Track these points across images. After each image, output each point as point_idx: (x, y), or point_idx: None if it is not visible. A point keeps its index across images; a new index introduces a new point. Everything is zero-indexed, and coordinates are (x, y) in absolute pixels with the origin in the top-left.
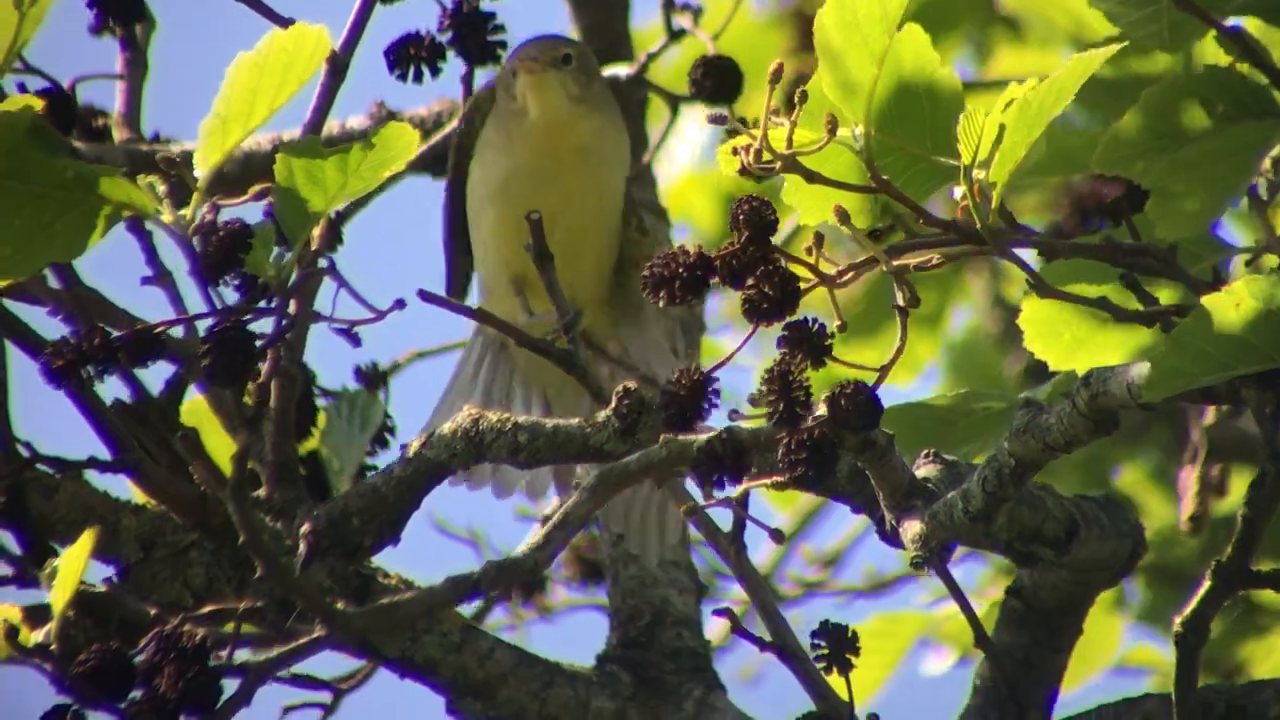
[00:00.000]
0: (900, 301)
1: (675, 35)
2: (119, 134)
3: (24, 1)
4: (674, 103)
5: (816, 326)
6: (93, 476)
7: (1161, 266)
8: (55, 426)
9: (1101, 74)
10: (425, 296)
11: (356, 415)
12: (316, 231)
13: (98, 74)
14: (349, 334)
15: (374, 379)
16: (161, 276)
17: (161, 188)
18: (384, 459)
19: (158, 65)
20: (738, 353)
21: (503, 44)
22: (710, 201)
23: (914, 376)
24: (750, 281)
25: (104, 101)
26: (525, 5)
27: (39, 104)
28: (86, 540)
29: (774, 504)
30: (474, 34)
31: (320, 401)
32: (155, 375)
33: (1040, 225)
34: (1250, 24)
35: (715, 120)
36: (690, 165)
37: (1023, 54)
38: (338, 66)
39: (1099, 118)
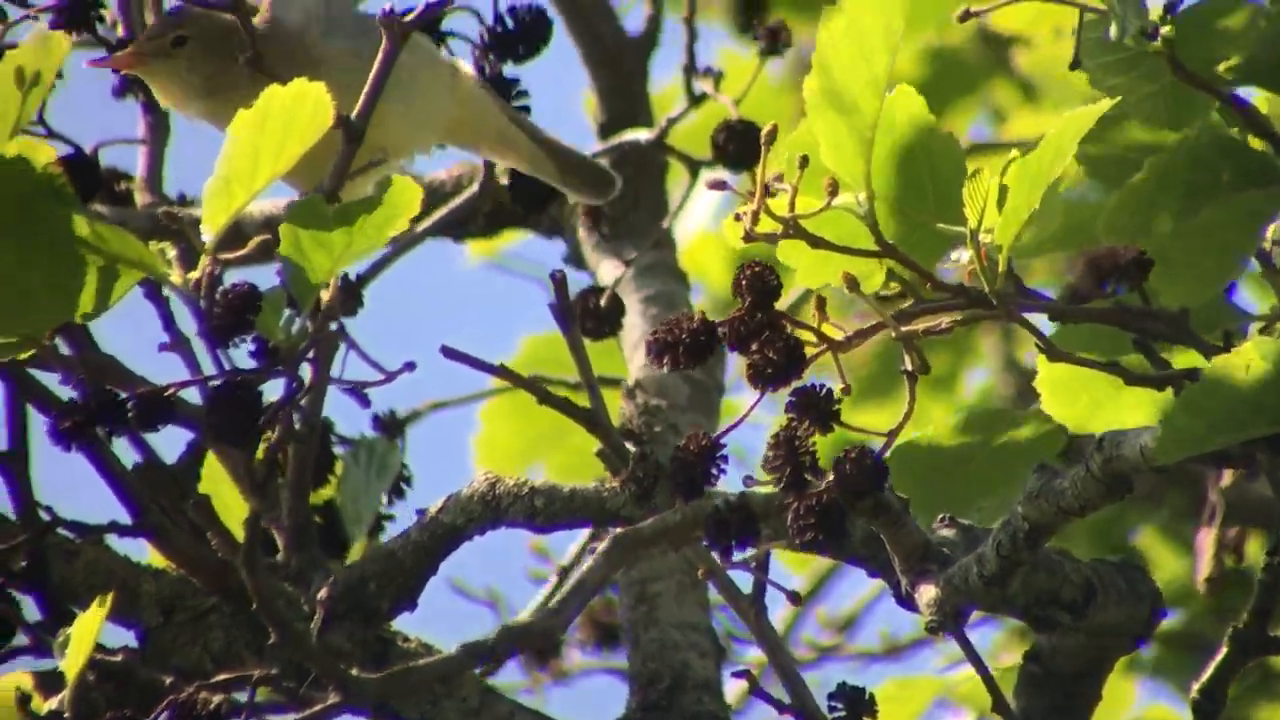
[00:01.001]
0: (909, 367)
1: (696, 100)
2: (141, 198)
3: (25, 79)
4: (694, 167)
5: (823, 391)
6: (113, 540)
7: (1172, 331)
8: (76, 490)
9: (1114, 149)
10: (447, 353)
11: (374, 464)
12: (326, 293)
13: (120, 139)
14: (358, 394)
15: (392, 428)
16: (178, 343)
17: (172, 251)
18: (400, 509)
19: (180, 128)
20: (747, 417)
21: (526, 109)
22: (724, 263)
23: None
24: (755, 347)
25: (127, 165)
26: (547, 69)
27: (51, 154)
28: (99, 608)
29: (789, 566)
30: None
31: (338, 450)
32: (177, 441)
33: (1056, 291)
34: (1257, 96)
35: (715, 186)
36: (704, 227)
37: (1038, 117)
38: (353, 133)
39: (1105, 190)
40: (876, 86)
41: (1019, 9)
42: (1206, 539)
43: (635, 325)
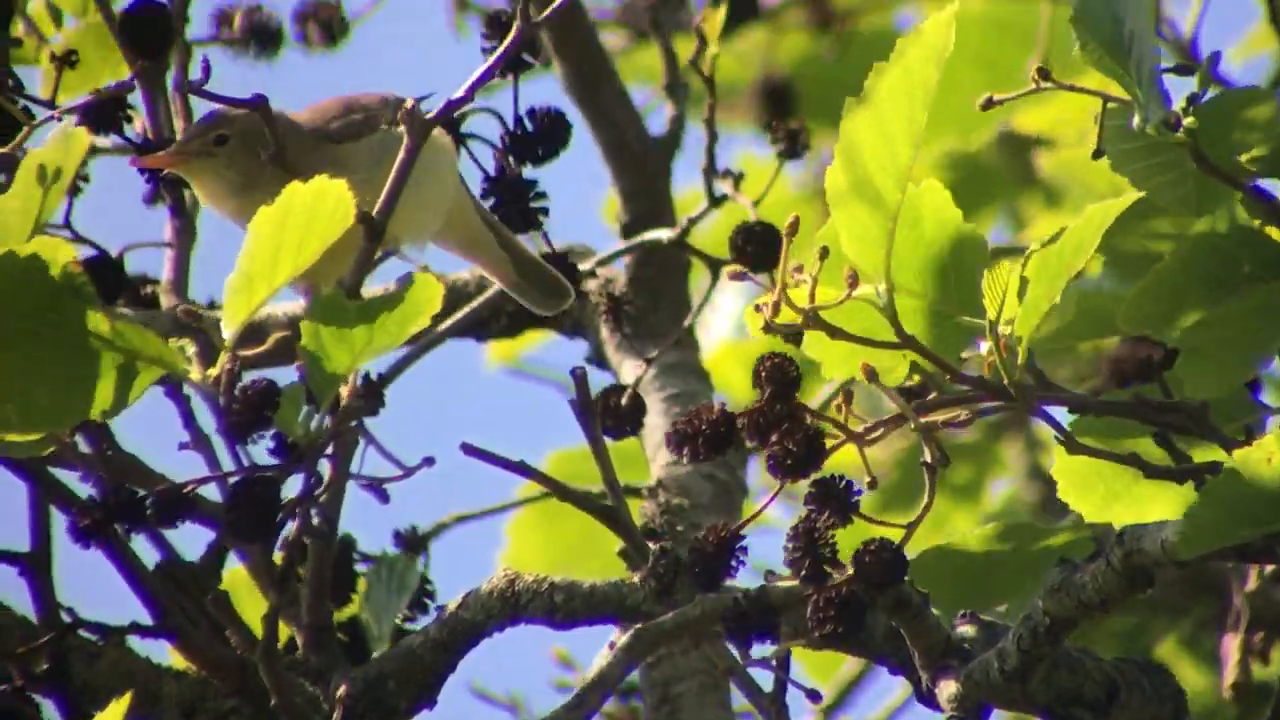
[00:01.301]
0: (929, 459)
1: (716, 201)
2: (167, 301)
3: (48, 174)
4: (715, 267)
5: (844, 484)
6: (135, 641)
7: (1193, 424)
8: (98, 590)
9: (1134, 238)
10: (468, 450)
11: (395, 580)
12: (345, 389)
13: (147, 243)
14: (377, 490)
15: (413, 543)
16: (198, 441)
17: (192, 349)
18: (422, 624)
19: (206, 233)
20: (764, 510)
21: (545, 210)
22: (746, 371)
23: None
24: (775, 438)
25: (155, 269)
26: (567, 170)
27: (70, 253)
28: (119, 710)
29: (813, 673)
30: (515, 200)
31: (360, 567)
32: (198, 540)
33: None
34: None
35: (736, 276)
36: (726, 336)
37: (1058, 219)
38: (374, 230)
39: (1125, 281)
40: (899, 177)
41: (1043, 110)
42: (1232, 644)
43: (657, 425)
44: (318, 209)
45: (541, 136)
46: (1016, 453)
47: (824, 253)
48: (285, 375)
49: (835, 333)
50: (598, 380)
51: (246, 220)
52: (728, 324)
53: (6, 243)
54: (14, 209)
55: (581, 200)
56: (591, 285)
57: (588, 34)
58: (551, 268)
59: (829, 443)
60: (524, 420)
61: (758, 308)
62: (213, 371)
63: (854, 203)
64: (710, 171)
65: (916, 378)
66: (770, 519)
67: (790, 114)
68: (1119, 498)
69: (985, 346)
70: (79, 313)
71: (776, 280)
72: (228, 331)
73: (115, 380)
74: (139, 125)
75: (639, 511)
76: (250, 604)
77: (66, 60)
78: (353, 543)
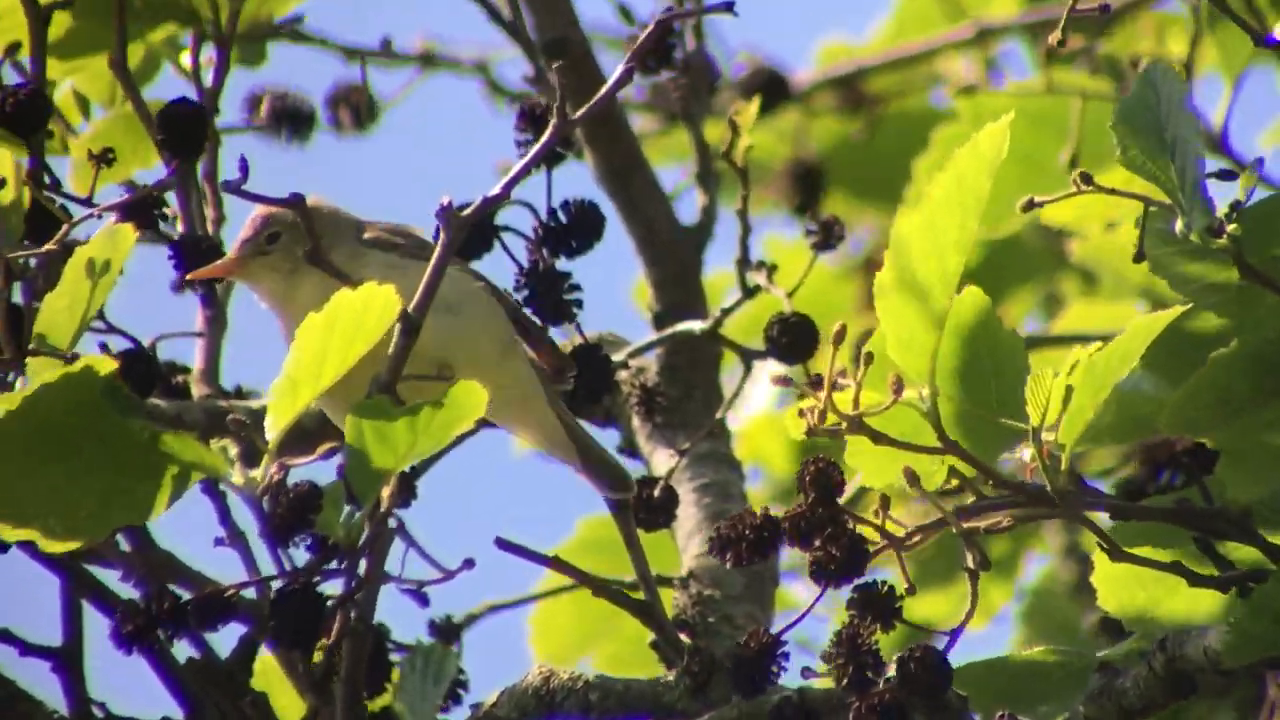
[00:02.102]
0: (971, 564)
1: (750, 293)
2: (198, 390)
3: (96, 269)
4: (748, 359)
5: (885, 589)
6: None
7: (1235, 531)
8: (129, 685)
9: (1175, 343)
10: (502, 545)
11: (430, 670)
12: (386, 490)
13: (178, 333)
14: (418, 594)
15: (448, 633)
16: (234, 537)
17: (234, 450)
18: (457, 713)
19: (237, 321)
20: (808, 614)
21: (578, 302)
22: (783, 445)
23: (986, 621)
24: (818, 543)
25: (185, 355)
26: (602, 260)
27: (109, 364)
28: None
29: None
30: (549, 293)
31: (394, 656)
32: (227, 633)
33: (1111, 477)
34: None
35: (779, 382)
36: (764, 410)
37: (1094, 306)
38: (411, 327)
39: (1166, 381)
40: (948, 285)
41: (1069, 204)
42: None
43: (689, 515)
44: (365, 314)
45: (575, 228)
46: (1054, 529)
47: (869, 358)
48: (321, 468)
49: (879, 438)
50: (629, 469)
51: (292, 306)
52: (764, 396)
53: (55, 340)
54: (61, 307)
55: (615, 285)
56: (623, 375)
57: (619, 125)
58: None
59: (870, 548)
60: (554, 497)
61: (801, 412)
62: (255, 475)
63: (902, 308)
64: (744, 263)
65: (955, 481)
66: (800, 601)
67: (820, 196)
68: (1159, 604)
69: (1028, 453)
70: (121, 424)
71: (818, 380)
72: (271, 435)
73: (156, 486)
74: (170, 213)
75: (671, 602)
76: (280, 691)
77: (104, 159)
78: (386, 632)
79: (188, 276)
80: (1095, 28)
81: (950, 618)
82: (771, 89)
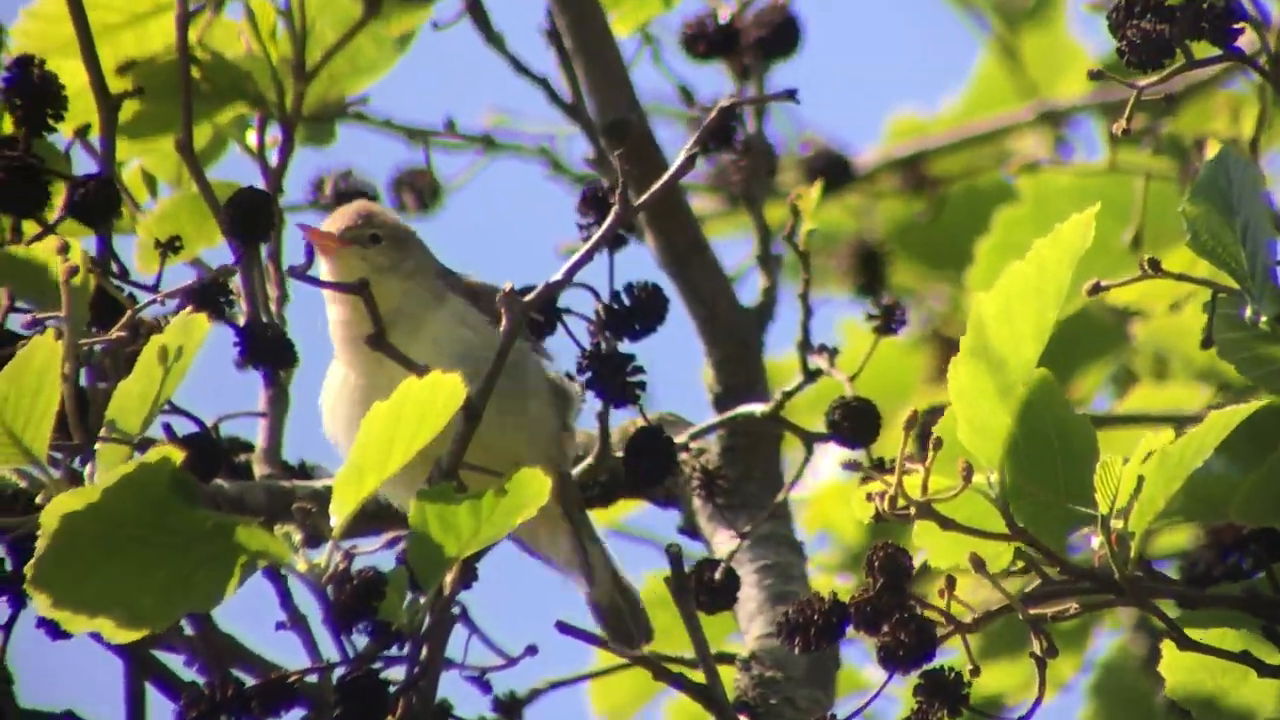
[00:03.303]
0: (1038, 651)
1: (811, 376)
2: (260, 469)
3: (169, 356)
4: (809, 441)
5: (952, 675)
6: None
7: None
8: None
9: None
10: (563, 629)
11: None
12: (450, 577)
13: (241, 413)
14: (480, 682)
15: (511, 708)
16: (295, 621)
17: (298, 536)
18: None
19: (300, 396)
20: (875, 698)
21: (642, 384)
22: (851, 513)
23: (1055, 693)
24: (886, 629)
25: (248, 430)
26: (665, 342)
27: (179, 455)
28: None
29: None
30: (612, 375)
31: None
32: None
33: (1178, 559)
34: None
35: (849, 467)
36: (831, 477)
37: (1162, 388)
38: (472, 413)
39: (1236, 463)
40: (1024, 373)
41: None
42: None
43: (751, 596)
44: (432, 402)
45: (638, 311)
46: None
47: (938, 443)
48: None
49: (947, 524)
50: (691, 551)
51: (356, 319)
52: (832, 465)
53: (125, 425)
54: (134, 393)
55: (682, 366)
56: (684, 456)
57: (680, 207)
58: (634, 620)
59: (939, 632)
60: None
61: (869, 496)
62: (319, 562)
63: (975, 393)
64: (805, 345)
65: (1021, 563)
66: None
67: (882, 277)
68: (1227, 694)
69: (1096, 541)
70: (187, 514)
71: (875, 460)
72: (336, 522)
73: (221, 574)
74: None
75: (732, 684)
76: None
77: (170, 246)
78: (449, 708)
79: (297, 225)
80: (1164, 108)
81: (1019, 690)
82: (835, 171)
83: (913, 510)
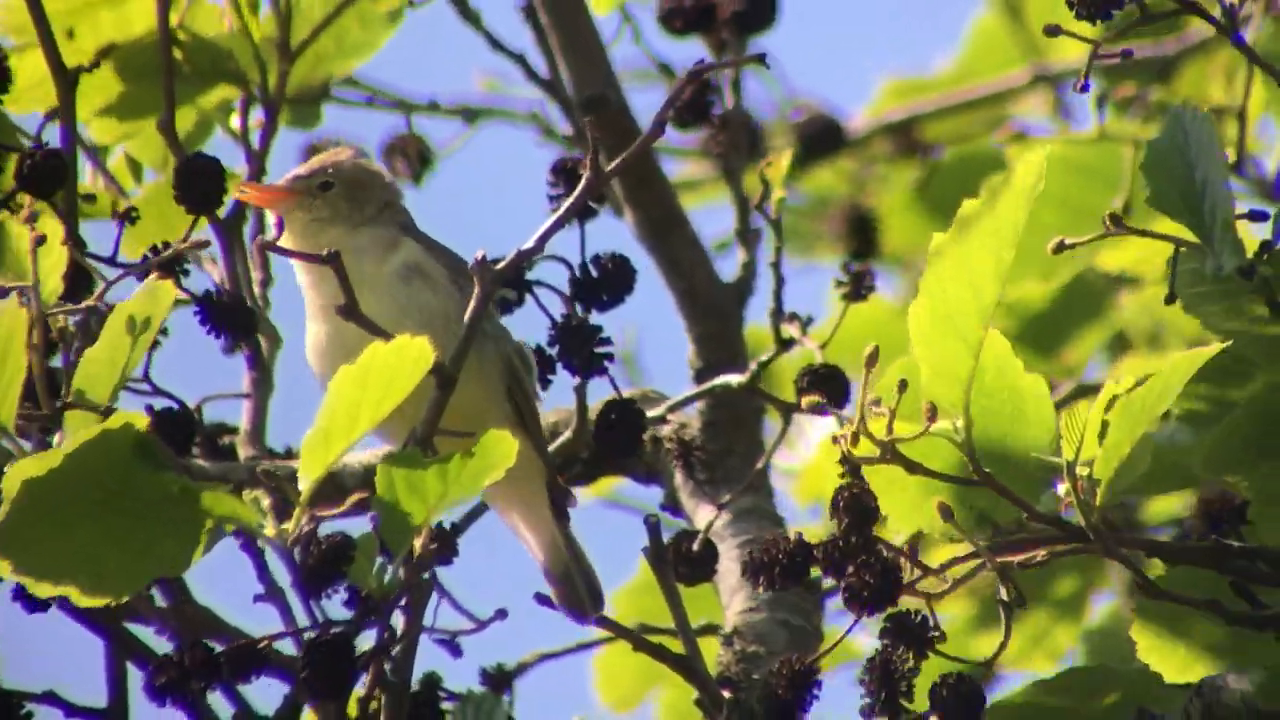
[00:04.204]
0: (1005, 597)
1: (784, 345)
2: (244, 451)
3: (136, 325)
4: (786, 411)
5: (919, 618)
6: None
7: (1273, 572)
8: None
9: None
10: (541, 600)
11: (480, 719)
12: (419, 541)
13: (224, 394)
14: (451, 645)
15: (499, 681)
16: (272, 592)
17: (266, 501)
18: None
19: (284, 380)
20: (841, 641)
21: (609, 355)
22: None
23: (1054, 663)
24: (851, 570)
25: (235, 416)
26: (642, 313)
27: (144, 420)
28: None
29: None
30: (580, 346)
31: (446, 705)
32: (270, 690)
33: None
34: None
35: (814, 410)
36: (823, 445)
37: (1157, 354)
38: (446, 381)
39: (1204, 431)
40: (983, 314)
41: (1123, 251)
42: None
43: (731, 570)
44: (399, 366)
45: (607, 282)
46: (1118, 567)
47: (902, 385)
48: (357, 521)
49: (913, 467)
50: (673, 525)
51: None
52: (823, 434)
53: (93, 395)
54: (102, 360)
55: (670, 342)
56: (665, 431)
57: (658, 181)
58: (592, 586)
59: (905, 577)
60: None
61: (835, 439)
62: (288, 527)
63: (937, 337)
64: (778, 315)
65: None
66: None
67: (874, 243)
68: (1200, 657)
69: (1063, 488)
70: (154, 477)
71: (855, 412)
72: (304, 486)
73: (188, 539)
74: (217, 275)
75: (715, 659)
76: None
77: (127, 216)
78: (438, 680)
79: (239, 191)
80: (1155, 74)
81: (1013, 657)
82: (825, 136)
83: (878, 451)
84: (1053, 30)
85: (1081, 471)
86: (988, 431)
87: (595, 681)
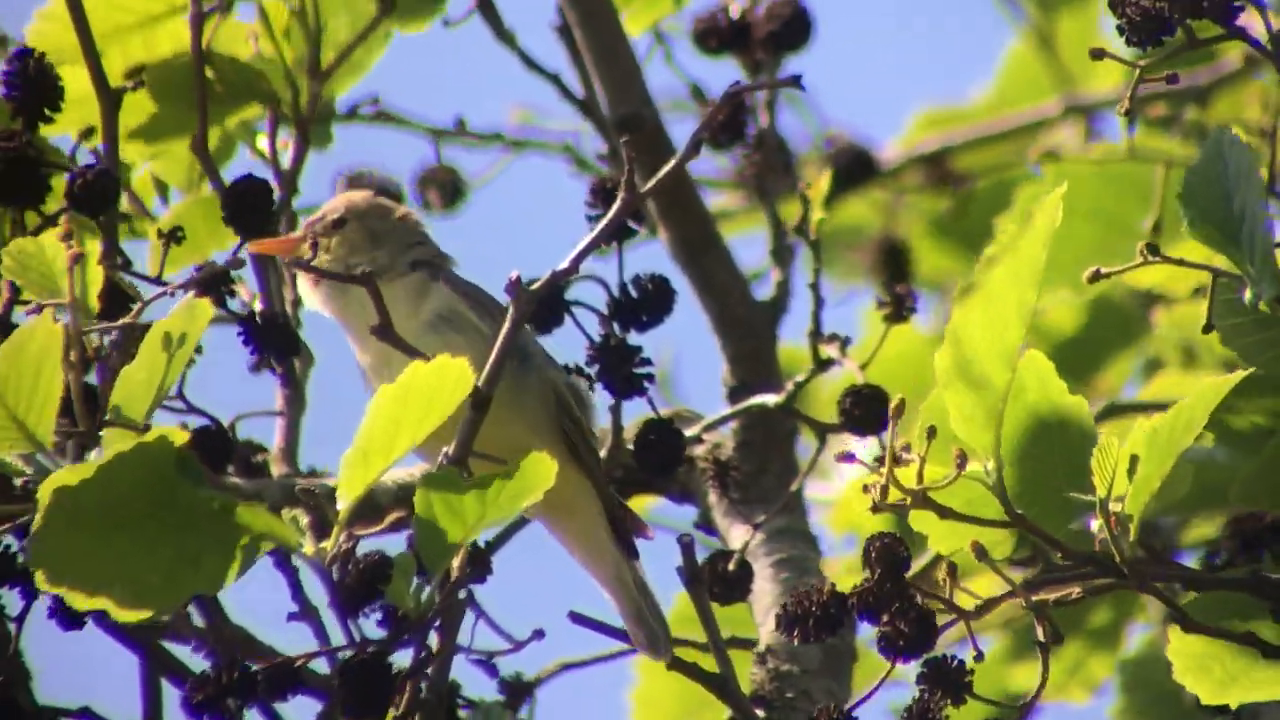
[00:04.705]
0: (1041, 637)
1: (822, 365)
2: (277, 469)
3: (172, 343)
4: (821, 432)
5: (955, 663)
6: None
7: None
8: None
9: (1243, 418)
10: (576, 619)
11: None
12: (456, 561)
13: (257, 412)
14: (487, 665)
15: (518, 691)
16: (307, 612)
17: (304, 520)
18: None
19: (316, 398)
20: (876, 690)
21: (650, 376)
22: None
23: (1088, 695)
24: (886, 618)
25: (266, 435)
26: (677, 332)
27: (184, 436)
28: None
29: None
30: (619, 366)
31: (463, 713)
32: (305, 709)
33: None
34: None
35: (843, 459)
36: (857, 478)
37: (1190, 373)
38: (481, 401)
39: (1240, 453)
40: (1008, 359)
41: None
42: None
43: (766, 590)
44: (439, 386)
45: (646, 303)
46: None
47: (931, 432)
48: (392, 541)
49: (944, 512)
50: (707, 545)
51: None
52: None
53: (130, 413)
54: (138, 380)
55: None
56: (699, 451)
57: (692, 200)
58: (661, 623)
59: (940, 620)
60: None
61: (866, 488)
62: (326, 545)
63: (962, 384)
64: (816, 335)
65: (1026, 551)
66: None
67: (905, 271)
68: (1236, 680)
69: (1096, 524)
70: (192, 494)
71: (884, 455)
72: (342, 505)
73: (226, 556)
74: (245, 294)
75: (748, 676)
76: None
77: (173, 237)
78: (456, 687)
79: (248, 248)
80: (1190, 97)
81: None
82: (858, 167)
83: (909, 500)
84: (1097, 54)
85: (1114, 507)
86: (1027, 464)
87: (633, 712)
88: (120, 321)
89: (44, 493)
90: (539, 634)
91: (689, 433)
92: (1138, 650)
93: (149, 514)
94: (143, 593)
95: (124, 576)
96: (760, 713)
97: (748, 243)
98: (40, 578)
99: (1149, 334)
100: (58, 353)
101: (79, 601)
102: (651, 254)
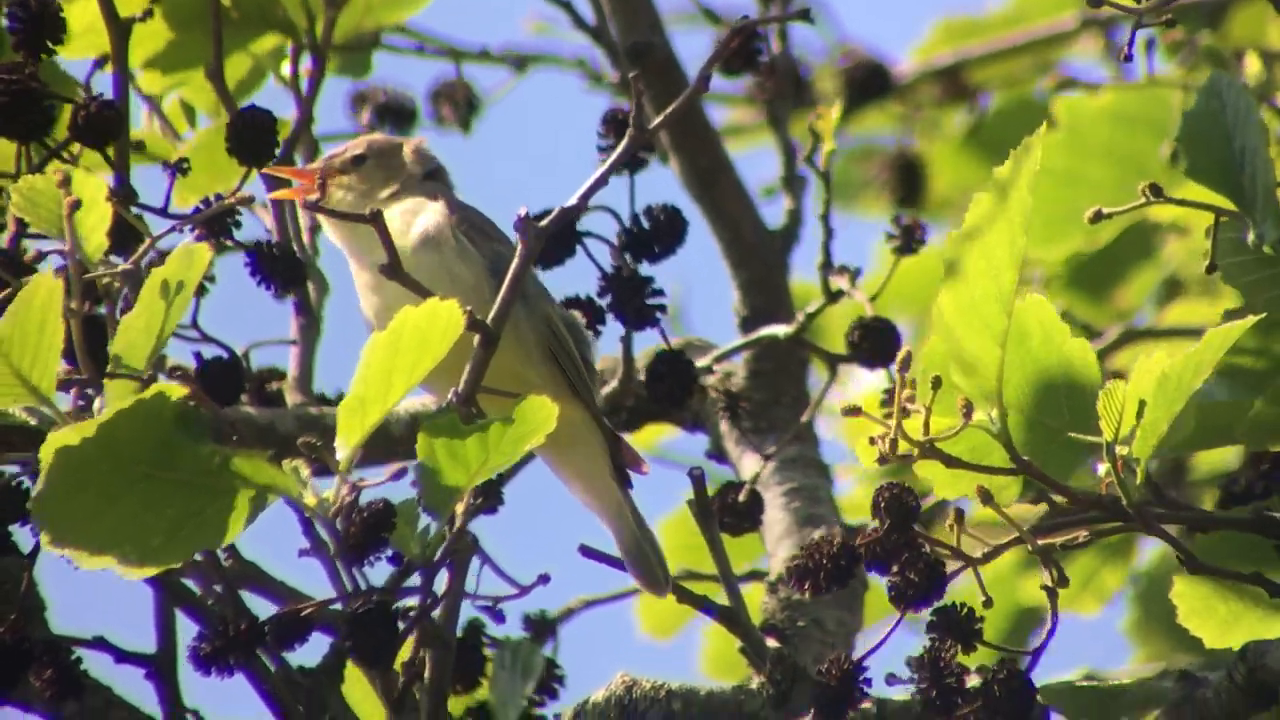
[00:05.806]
0: (1048, 582)
1: (833, 297)
2: (291, 397)
3: (170, 290)
4: (832, 363)
5: (964, 611)
6: None
7: None
8: (222, 691)
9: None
10: (586, 552)
11: (519, 665)
12: (460, 506)
13: (271, 340)
14: (493, 611)
15: (541, 627)
16: (317, 548)
17: (305, 471)
18: (554, 707)
19: (331, 325)
20: (886, 641)
21: (661, 307)
22: None
23: (1100, 606)
24: (895, 568)
25: (284, 360)
26: (690, 263)
27: (180, 391)
28: None
29: None
30: (631, 297)
31: (489, 652)
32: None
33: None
34: None
35: (850, 413)
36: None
37: (1213, 300)
38: (489, 338)
39: (1243, 388)
40: (1004, 303)
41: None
42: None
43: (777, 519)
44: (430, 330)
45: (658, 233)
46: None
47: (936, 383)
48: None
49: (951, 462)
50: (718, 474)
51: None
52: (868, 387)
53: (131, 360)
54: (139, 327)
55: (713, 291)
56: (711, 380)
57: (704, 129)
58: (660, 560)
59: (948, 569)
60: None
61: (871, 440)
62: (328, 495)
63: (961, 332)
64: (826, 266)
65: (1032, 494)
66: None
67: (921, 190)
68: (1239, 620)
69: (1102, 468)
70: (192, 451)
71: (890, 406)
72: (342, 455)
73: (229, 509)
74: (269, 220)
75: (760, 606)
76: (369, 698)
77: (179, 168)
78: (481, 626)
79: (270, 195)
80: (1205, 18)
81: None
82: (873, 81)
83: (916, 452)
84: (1096, 2)
85: (1121, 450)
86: (1032, 408)
87: (637, 609)
88: (120, 267)
89: (46, 450)
90: (544, 578)
91: (700, 363)
92: (1149, 563)
93: (151, 472)
94: (148, 551)
95: (128, 535)
96: (771, 642)
97: (757, 158)
98: (45, 539)
99: (1166, 252)
100: (59, 308)
101: (85, 561)
102: (663, 178)
